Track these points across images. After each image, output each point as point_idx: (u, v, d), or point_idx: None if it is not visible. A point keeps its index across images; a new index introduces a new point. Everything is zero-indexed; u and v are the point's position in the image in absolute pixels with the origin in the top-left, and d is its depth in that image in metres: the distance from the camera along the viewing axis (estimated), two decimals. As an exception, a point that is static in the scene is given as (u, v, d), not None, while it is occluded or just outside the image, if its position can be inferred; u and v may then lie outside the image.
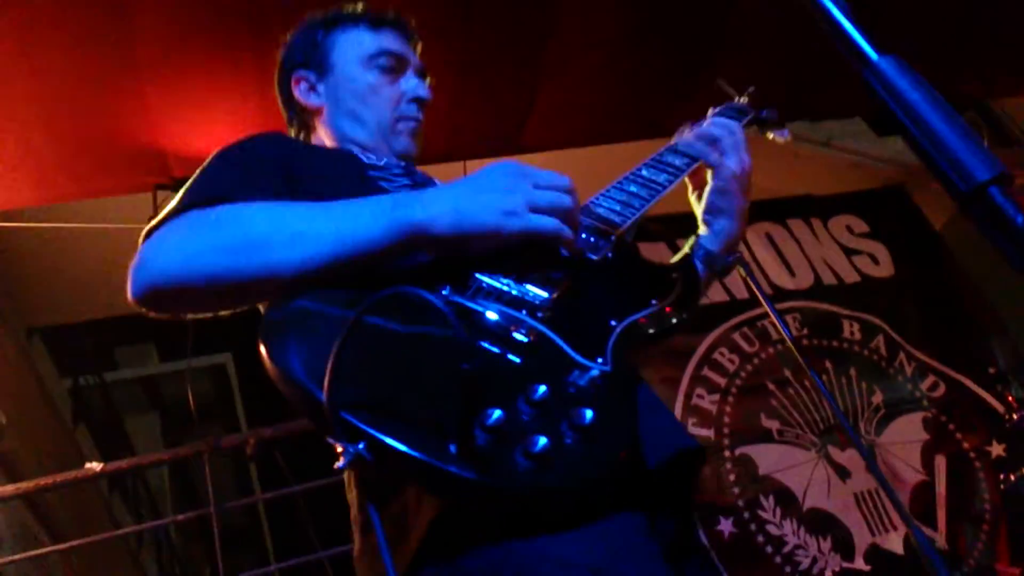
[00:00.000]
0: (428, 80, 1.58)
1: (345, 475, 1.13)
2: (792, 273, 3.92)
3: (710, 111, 1.60)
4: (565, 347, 0.95)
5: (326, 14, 1.59)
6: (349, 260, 1.00)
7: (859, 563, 3.21)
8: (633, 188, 1.29)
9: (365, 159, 1.37)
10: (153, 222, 1.13)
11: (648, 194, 1.29)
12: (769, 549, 3.19)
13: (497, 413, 0.82)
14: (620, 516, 0.90)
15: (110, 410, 6.23)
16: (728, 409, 3.46)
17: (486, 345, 0.93)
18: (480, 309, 0.98)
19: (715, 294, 3.77)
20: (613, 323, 1.02)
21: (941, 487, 3.43)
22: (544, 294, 1.03)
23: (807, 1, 0.65)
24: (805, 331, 3.76)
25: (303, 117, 1.56)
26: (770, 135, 1.62)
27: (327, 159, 1.38)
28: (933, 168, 0.57)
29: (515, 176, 1.05)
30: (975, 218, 0.55)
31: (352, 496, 1.12)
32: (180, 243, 1.06)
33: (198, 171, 1.26)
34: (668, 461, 0.99)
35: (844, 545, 3.23)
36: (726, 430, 3.41)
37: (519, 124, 3.64)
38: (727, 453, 3.35)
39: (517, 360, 0.92)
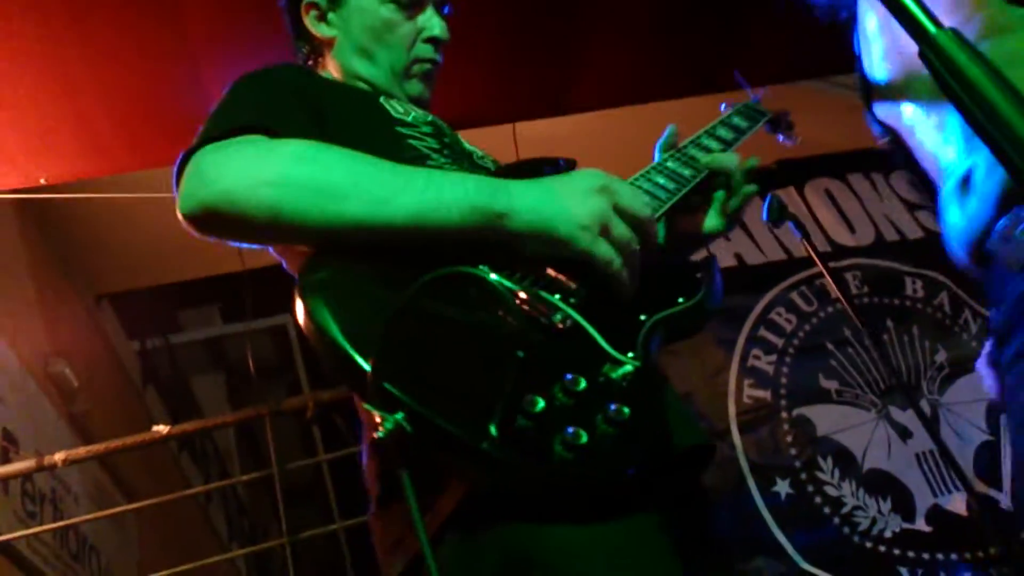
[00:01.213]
0: (448, 10, 1.48)
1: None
2: (852, 230, 3.82)
3: (724, 106, 1.54)
4: (599, 338, 0.94)
5: None
6: (419, 234, 0.99)
7: (920, 524, 3.16)
8: (660, 180, 1.26)
9: (392, 110, 1.30)
10: (199, 139, 1.07)
11: (675, 187, 1.26)
12: (827, 510, 3.16)
13: (540, 402, 0.82)
14: (639, 509, 0.90)
15: (176, 371, 6.43)
16: (785, 370, 3.42)
17: (529, 330, 0.92)
18: (518, 289, 0.97)
19: (772, 252, 3.71)
20: (643, 318, 1.01)
21: (1007, 446, 3.34)
22: (578, 282, 1.02)
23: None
24: (866, 289, 3.68)
25: (312, 45, 1.47)
26: (780, 138, 1.60)
27: (354, 104, 1.31)
28: (994, 149, 0.54)
29: (600, 191, 1.03)
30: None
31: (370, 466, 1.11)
32: (250, 168, 1.01)
33: (231, 92, 1.22)
34: (681, 456, 0.98)
35: (905, 506, 3.19)
36: (783, 391, 3.37)
37: (567, 84, 3.58)
38: (784, 414, 3.32)
39: (555, 347, 0.92)
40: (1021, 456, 1.20)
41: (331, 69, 1.45)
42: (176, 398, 6.14)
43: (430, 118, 1.34)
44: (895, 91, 1.39)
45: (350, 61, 1.42)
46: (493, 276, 0.97)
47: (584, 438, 0.81)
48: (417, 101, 1.42)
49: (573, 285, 1.01)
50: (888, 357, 3.33)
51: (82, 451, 3.03)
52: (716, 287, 1.13)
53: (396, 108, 1.31)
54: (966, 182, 1.23)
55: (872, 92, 1.48)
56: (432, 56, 1.43)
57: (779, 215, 2.22)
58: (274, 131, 1.08)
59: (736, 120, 1.47)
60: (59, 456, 2.91)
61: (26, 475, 3.09)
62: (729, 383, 3.37)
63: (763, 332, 3.50)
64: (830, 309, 3.56)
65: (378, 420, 0.79)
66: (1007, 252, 1.17)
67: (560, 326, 0.94)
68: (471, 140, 3.88)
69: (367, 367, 0.82)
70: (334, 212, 0.98)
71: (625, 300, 1.04)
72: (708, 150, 1.36)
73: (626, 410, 0.84)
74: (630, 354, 0.93)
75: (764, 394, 3.36)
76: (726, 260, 3.66)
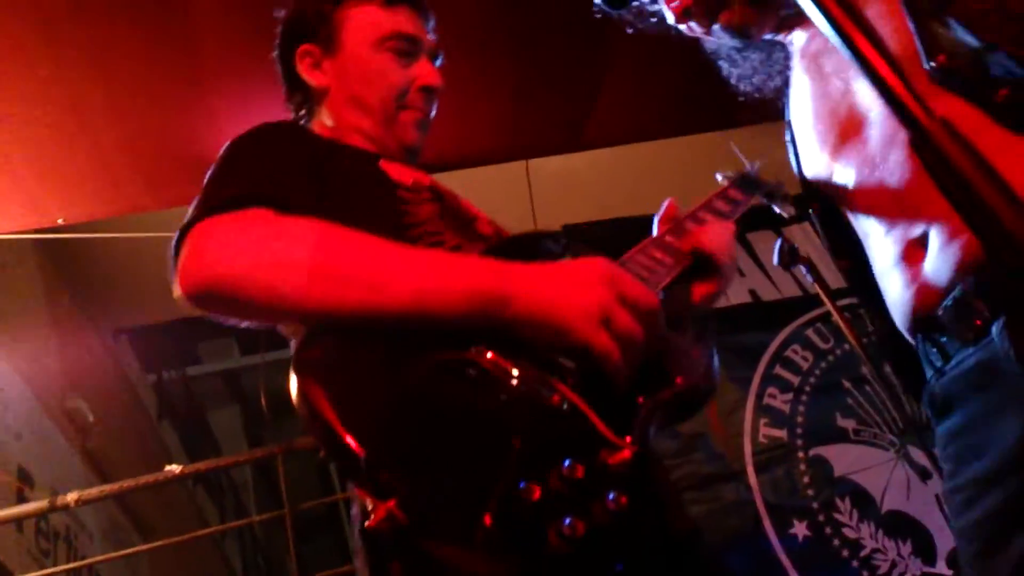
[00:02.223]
0: (440, 61, 1.49)
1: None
2: (869, 266, 3.79)
3: (721, 177, 1.55)
4: (597, 422, 0.92)
5: None
6: (419, 318, 0.98)
7: (941, 567, 3.10)
8: (658, 255, 1.25)
9: (392, 175, 1.29)
10: (198, 211, 1.06)
11: (673, 263, 1.25)
12: (846, 553, 3.10)
13: (535, 489, 0.80)
14: None
15: (193, 404, 6.45)
16: (802, 408, 3.38)
17: (525, 411, 0.91)
18: (515, 368, 0.95)
19: (787, 289, 3.67)
20: (641, 400, 0.99)
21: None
22: (575, 362, 1.00)
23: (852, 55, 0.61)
24: (881, 326, 3.63)
25: (306, 95, 1.47)
26: (776, 208, 1.62)
27: (354, 167, 1.30)
28: (980, 237, 0.53)
29: (604, 282, 1.02)
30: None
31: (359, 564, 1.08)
32: (252, 249, 1.00)
33: (230, 157, 1.20)
34: (676, 544, 0.97)
35: (925, 549, 3.12)
36: (799, 430, 3.33)
37: (582, 119, 3.59)
38: (800, 454, 3.27)
39: (552, 430, 0.90)
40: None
41: (324, 119, 1.44)
42: (192, 431, 6.15)
43: (428, 184, 1.33)
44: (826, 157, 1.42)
45: (344, 110, 1.41)
46: (489, 355, 0.95)
47: (578, 526, 0.79)
48: (410, 150, 1.42)
49: (571, 364, 0.99)
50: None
51: (95, 491, 3.03)
52: (714, 364, 1.11)
53: (397, 172, 1.30)
54: (911, 252, 1.23)
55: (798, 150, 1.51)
56: (425, 105, 1.43)
57: (790, 259, 2.20)
58: (277, 202, 1.07)
59: (733, 192, 1.47)
60: (72, 496, 2.92)
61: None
62: (745, 422, 3.33)
63: (779, 370, 3.46)
64: (847, 346, 3.52)
65: (370, 508, 0.78)
66: (956, 323, 1.17)
67: (557, 408, 0.92)
68: (484, 176, 3.88)
69: (361, 454, 0.81)
70: (335, 297, 0.97)
71: (620, 390, 1.01)
72: (704, 223, 1.35)
73: (623, 499, 0.82)
74: (628, 438, 0.91)
75: (780, 433, 3.31)
76: (741, 296, 3.63)
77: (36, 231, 3.42)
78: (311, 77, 1.44)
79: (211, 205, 1.06)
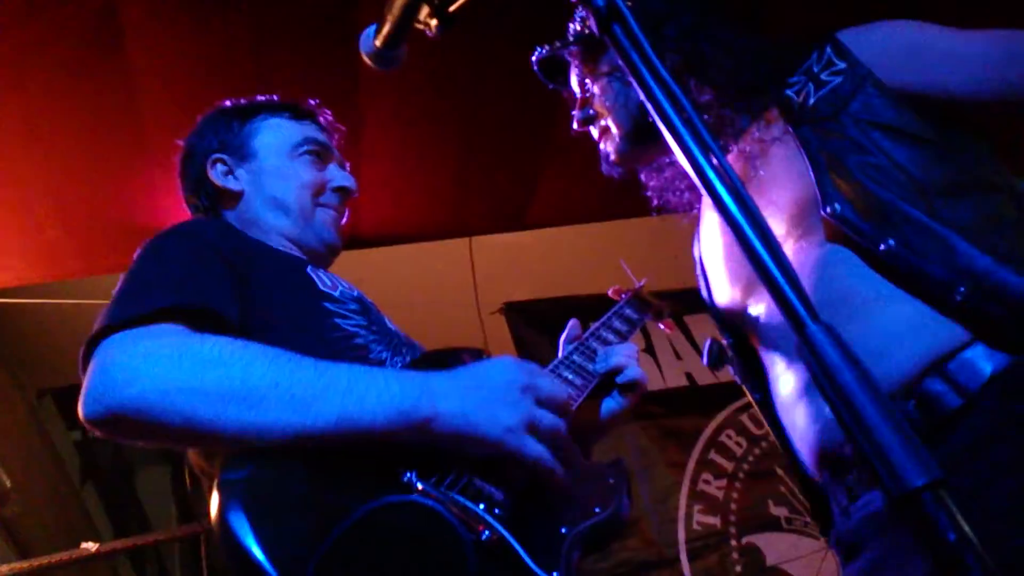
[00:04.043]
0: (348, 165, 1.56)
1: None
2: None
3: (614, 293, 1.66)
4: (525, 556, 0.93)
5: (241, 104, 1.54)
6: (341, 439, 0.97)
7: (870, 660, 3.10)
8: (568, 375, 1.30)
9: (319, 283, 1.29)
10: (108, 321, 1.03)
11: (583, 382, 1.30)
12: (776, 645, 3.09)
13: None
14: None
15: (119, 464, 6.22)
16: (735, 495, 3.39)
17: (460, 548, 0.91)
18: (446, 501, 0.96)
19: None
20: (564, 531, 1.01)
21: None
22: (501, 490, 1.02)
23: (743, 248, 0.62)
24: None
25: (216, 201, 1.47)
26: (660, 326, 1.79)
27: (280, 273, 1.28)
28: (865, 459, 0.54)
29: (521, 388, 1.05)
30: (907, 522, 0.52)
31: None
32: (162, 373, 0.96)
33: (147, 258, 1.17)
34: None
35: (854, 642, 3.12)
36: (733, 517, 3.33)
37: (525, 201, 3.63)
38: (734, 542, 3.27)
39: (483, 566, 0.91)
40: None
41: (233, 221, 1.44)
42: (117, 495, 5.91)
43: (356, 293, 1.33)
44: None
45: (261, 212, 1.43)
46: (420, 487, 0.95)
47: None
48: (331, 248, 1.46)
49: (497, 493, 1.00)
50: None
51: (4, 568, 2.89)
52: (627, 493, 1.14)
53: (324, 280, 1.30)
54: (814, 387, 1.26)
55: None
56: (339, 205, 1.49)
57: (718, 360, 2.23)
58: (191, 317, 1.04)
59: (628, 311, 1.57)
60: (-22, 575, 2.78)
61: (-59, 593, 2.93)
62: (679, 508, 3.33)
63: (714, 455, 3.48)
64: (780, 433, 3.57)
65: None
66: (862, 463, 1.18)
67: (488, 542, 0.93)
68: (427, 251, 3.86)
69: None
70: (254, 419, 0.95)
71: (557, 494, 1.04)
72: (607, 342, 1.43)
73: None
74: (555, 573, 0.93)
75: (714, 520, 3.32)
76: (677, 380, 3.66)
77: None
78: (224, 184, 1.45)
79: (122, 316, 1.02)
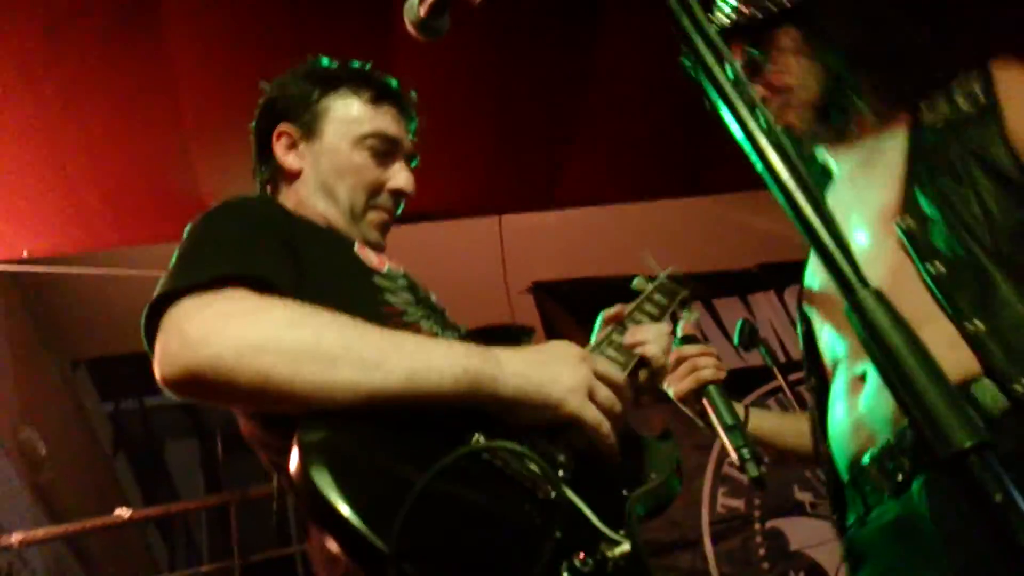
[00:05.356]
0: (416, 161, 1.49)
1: None
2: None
3: (641, 283, 1.61)
4: (591, 514, 0.97)
5: (329, 68, 1.46)
6: (410, 399, 0.99)
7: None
8: (611, 352, 1.31)
9: (367, 261, 1.30)
10: (175, 283, 1.03)
11: (625, 359, 1.30)
12: (798, 628, 3.09)
13: None
14: None
15: (150, 436, 6.32)
16: (760, 479, 3.38)
17: (532, 509, 0.94)
18: (515, 462, 0.98)
19: (751, 357, 3.70)
20: (626, 492, 1.05)
21: None
22: (565, 453, 1.04)
23: (793, 214, 0.62)
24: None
25: (274, 172, 1.44)
26: (684, 317, 1.72)
27: (330, 250, 1.28)
28: (912, 421, 0.54)
29: (579, 359, 1.09)
30: (953, 483, 0.52)
31: None
32: (239, 332, 0.97)
33: (203, 230, 1.17)
34: None
35: (877, 627, 3.12)
36: (757, 501, 3.33)
37: (554, 180, 3.63)
38: (757, 526, 3.27)
39: (555, 525, 0.92)
40: None
41: (288, 198, 1.41)
42: (147, 465, 6.02)
43: (403, 271, 1.34)
44: None
45: (311, 196, 1.39)
46: (478, 437, 0.98)
47: None
48: (373, 247, 1.40)
49: (562, 457, 1.03)
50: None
51: (40, 532, 2.97)
52: (679, 462, 1.17)
53: (371, 258, 1.31)
54: (854, 385, 1.31)
55: None
56: (392, 207, 1.43)
57: (749, 341, 2.23)
58: (256, 282, 1.05)
59: (658, 297, 1.54)
60: (16, 538, 2.86)
61: (-20, 553, 3.01)
62: (704, 490, 3.33)
63: (739, 438, 3.48)
64: (807, 418, 3.55)
65: None
66: (880, 473, 1.27)
67: (555, 501, 0.95)
68: (456, 230, 3.86)
69: (385, 550, 0.81)
70: (326, 378, 0.96)
71: (613, 463, 1.07)
72: (642, 324, 1.42)
73: None
74: (621, 531, 0.95)
75: (738, 503, 3.32)
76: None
77: (1, 262, 3.37)
78: (285, 158, 1.41)
79: (188, 282, 1.03)
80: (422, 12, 1.03)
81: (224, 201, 1.26)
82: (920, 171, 1.29)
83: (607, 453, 1.07)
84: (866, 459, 1.27)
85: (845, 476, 1.35)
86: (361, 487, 0.87)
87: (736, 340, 2.25)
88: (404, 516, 0.82)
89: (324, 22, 2.65)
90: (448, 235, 3.76)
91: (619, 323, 1.41)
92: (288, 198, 1.42)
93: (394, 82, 1.48)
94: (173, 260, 1.12)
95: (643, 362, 1.33)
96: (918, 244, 1.24)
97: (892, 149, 1.37)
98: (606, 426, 1.06)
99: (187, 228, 1.20)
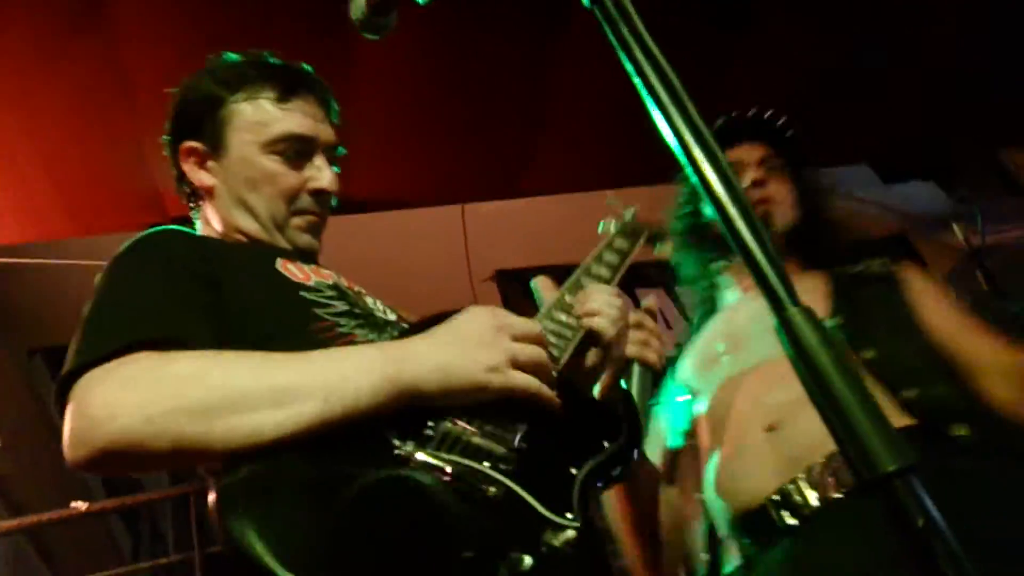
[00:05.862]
0: (341, 151, 1.40)
1: None
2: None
3: (605, 226, 1.54)
4: (535, 504, 0.93)
5: (230, 68, 1.36)
6: (337, 419, 0.96)
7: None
8: (563, 316, 1.23)
9: (291, 276, 1.22)
10: (80, 359, 1.00)
11: (578, 323, 1.23)
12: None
13: None
14: None
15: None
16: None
17: (464, 513, 0.90)
18: (443, 464, 0.95)
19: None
20: (573, 471, 1.00)
21: None
22: (503, 443, 1.00)
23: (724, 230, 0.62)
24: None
25: (193, 189, 1.36)
26: (657, 249, 1.71)
27: (252, 271, 1.21)
28: (837, 441, 0.54)
29: (494, 329, 1.06)
30: (879, 504, 0.52)
31: None
32: (141, 400, 0.94)
33: (111, 286, 1.13)
34: None
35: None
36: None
37: (519, 168, 3.61)
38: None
39: (492, 523, 0.90)
40: None
41: (210, 218, 1.35)
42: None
43: (331, 280, 1.27)
44: None
45: (230, 212, 1.32)
46: (419, 456, 0.94)
47: None
48: (305, 254, 1.34)
49: (499, 447, 0.99)
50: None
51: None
52: (639, 423, 1.12)
53: (296, 273, 1.24)
54: None
55: None
56: (318, 207, 1.34)
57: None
58: (159, 342, 1.01)
59: (619, 242, 1.46)
60: (-32, 532, 2.79)
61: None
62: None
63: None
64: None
65: None
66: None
67: (494, 498, 0.92)
68: (419, 218, 3.83)
69: None
70: (242, 424, 0.94)
71: (558, 418, 1.05)
72: (599, 278, 1.35)
73: None
74: (568, 515, 0.92)
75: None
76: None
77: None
78: (195, 177, 1.34)
79: (90, 356, 1.00)
80: (366, 10, 1.02)
81: (135, 241, 1.20)
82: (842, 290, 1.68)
83: (551, 408, 1.05)
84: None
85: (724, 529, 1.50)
86: (282, 529, 0.84)
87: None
88: (319, 550, 0.81)
89: (279, 12, 2.60)
90: (411, 223, 3.74)
91: (575, 281, 1.32)
92: (211, 216, 1.35)
93: (305, 69, 1.38)
94: (79, 325, 1.09)
95: (591, 335, 1.23)
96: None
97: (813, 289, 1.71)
98: (536, 386, 1.04)
99: (96, 280, 1.16)
